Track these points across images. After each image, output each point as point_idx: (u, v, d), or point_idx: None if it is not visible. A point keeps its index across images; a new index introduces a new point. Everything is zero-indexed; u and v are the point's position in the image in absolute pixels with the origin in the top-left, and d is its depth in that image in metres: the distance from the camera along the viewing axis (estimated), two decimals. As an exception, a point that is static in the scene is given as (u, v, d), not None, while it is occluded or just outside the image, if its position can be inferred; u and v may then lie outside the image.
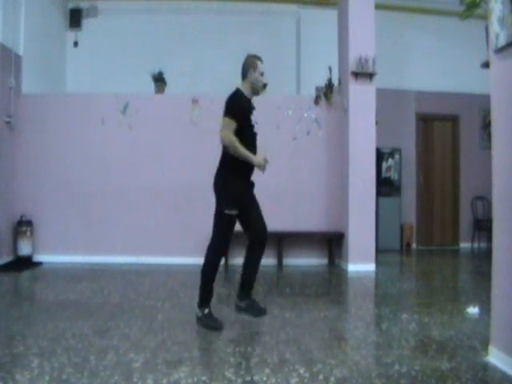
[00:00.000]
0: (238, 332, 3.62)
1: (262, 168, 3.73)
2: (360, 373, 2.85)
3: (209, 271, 3.79)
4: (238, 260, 6.71)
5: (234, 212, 3.72)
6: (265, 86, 4.04)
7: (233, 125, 3.66)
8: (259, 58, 3.91)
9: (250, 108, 3.87)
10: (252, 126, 3.87)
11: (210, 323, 3.69)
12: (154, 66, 6.93)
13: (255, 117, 3.90)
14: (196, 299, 4.65)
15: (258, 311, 4.05)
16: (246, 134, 3.78)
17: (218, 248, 3.80)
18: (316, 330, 3.70)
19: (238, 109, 3.74)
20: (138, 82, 6.96)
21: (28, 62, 6.71)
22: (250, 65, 3.85)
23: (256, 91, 3.91)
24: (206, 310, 3.75)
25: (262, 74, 3.86)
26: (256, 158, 3.71)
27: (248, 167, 3.80)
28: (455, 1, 4.29)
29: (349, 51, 6.32)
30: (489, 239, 5.64)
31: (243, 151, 3.66)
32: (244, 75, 3.87)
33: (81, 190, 6.71)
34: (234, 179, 3.76)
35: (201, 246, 6.74)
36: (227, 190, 3.73)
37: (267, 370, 2.85)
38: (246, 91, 3.86)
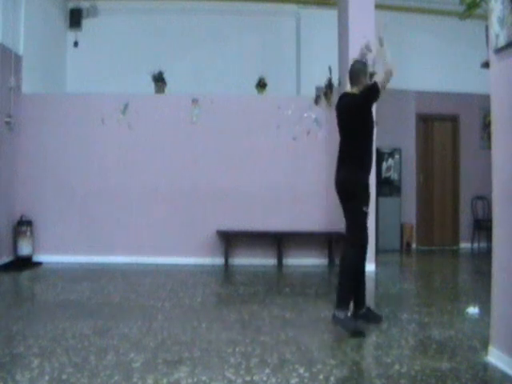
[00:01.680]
0: (238, 332, 3.62)
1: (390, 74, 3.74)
2: (360, 373, 2.85)
3: (352, 271, 3.75)
4: (238, 260, 6.73)
5: (368, 209, 3.81)
6: None
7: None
8: (365, 63, 4.17)
9: None
10: (372, 124, 4.04)
11: (350, 325, 3.60)
12: (154, 66, 6.92)
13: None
14: (196, 299, 4.69)
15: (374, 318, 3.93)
16: (370, 128, 3.97)
17: (360, 246, 3.81)
18: (316, 330, 3.70)
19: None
20: (138, 81, 6.96)
21: (28, 62, 6.70)
22: (362, 71, 4.00)
23: None
24: (348, 312, 3.69)
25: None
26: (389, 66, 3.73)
27: (370, 165, 3.87)
28: (455, 1, 4.29)
29: (349, 51, 6.31)
30: (489, 239, 5.62)
31: (383, 77, 3.73)
32: (356, 80, 3.97)
33: (81, 190, 6.70)
34: (363, 177, 3.80)
35: (200, 246, 6.85)
36: (361, 188, 3.76)
37: (267, 370, 2.85)
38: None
